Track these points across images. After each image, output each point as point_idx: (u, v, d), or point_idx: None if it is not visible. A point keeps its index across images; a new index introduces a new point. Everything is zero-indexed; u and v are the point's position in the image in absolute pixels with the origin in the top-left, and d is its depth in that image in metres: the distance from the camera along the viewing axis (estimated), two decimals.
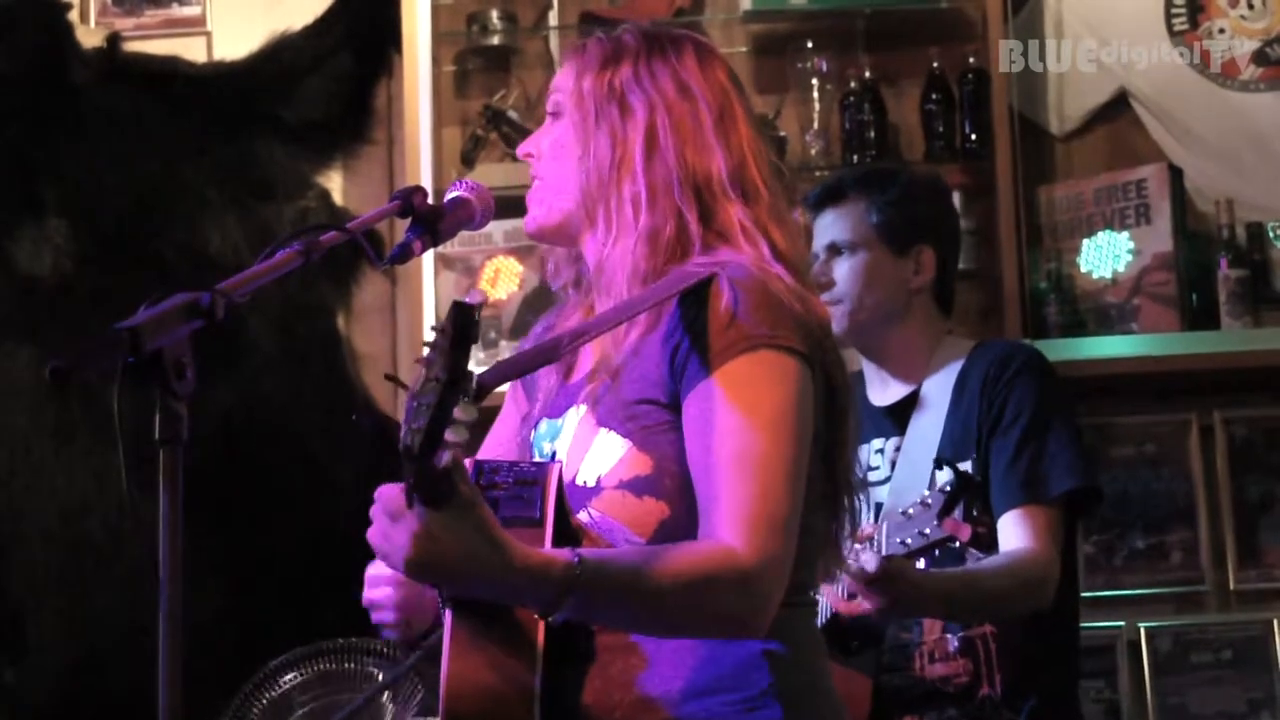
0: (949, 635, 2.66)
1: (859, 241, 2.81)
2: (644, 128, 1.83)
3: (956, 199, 3.22)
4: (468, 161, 3.90)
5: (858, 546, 2.38)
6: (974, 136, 3.78)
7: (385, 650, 3.18)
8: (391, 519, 1.54)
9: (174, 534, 1.45)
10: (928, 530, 2.34)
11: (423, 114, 3.79)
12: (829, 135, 3.85)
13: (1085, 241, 3.77)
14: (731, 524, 1.65)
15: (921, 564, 2.37)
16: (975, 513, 2.27)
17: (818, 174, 3.70)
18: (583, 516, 1.76)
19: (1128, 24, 3.86)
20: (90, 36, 3.97)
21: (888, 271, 2.81)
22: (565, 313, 1.96)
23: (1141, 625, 3.71)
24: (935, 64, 3.83)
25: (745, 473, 1.67)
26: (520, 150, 1.96)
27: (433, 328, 1.43)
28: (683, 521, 1.71)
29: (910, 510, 2.37)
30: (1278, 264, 3.74)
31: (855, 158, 3.78)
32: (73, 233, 3.83)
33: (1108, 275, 3.75)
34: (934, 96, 3.82)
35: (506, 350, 3.72)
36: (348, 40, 3.97)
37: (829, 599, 2.51)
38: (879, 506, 2.68)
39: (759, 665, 1.74)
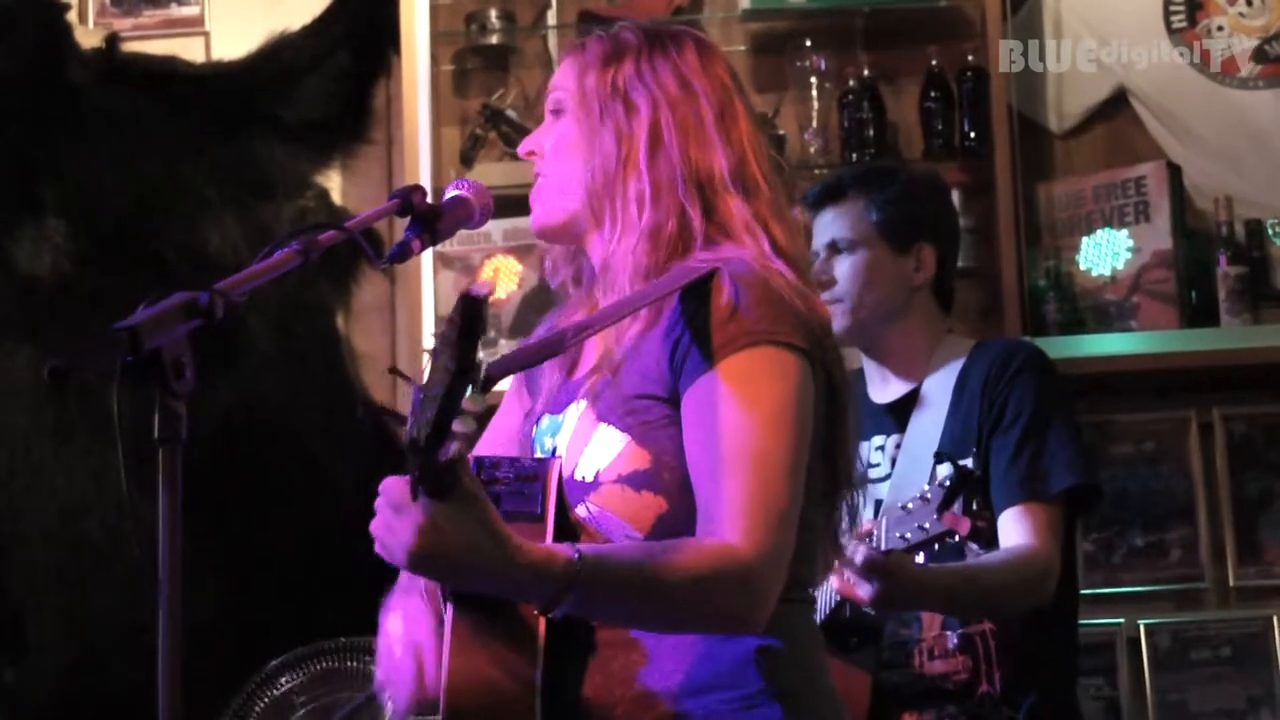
0: (948, 632, 2.66)
1: (859, 240, 2.81)
2: (648, 125, 1.83)
3: (956, 197, 3.21)
4: (466, 161, 3.90)
5: (855, 542, 2.37)
6: (973, 134, 3.77)
7: None
8: (395, 511, 1.53)
9: (173, 534, 1.44)
10: (927, 524, 2.33)
11: (421, 113, 3.79)
12: (828, 134, 3.84)
13: (1084, 239, 3.77)
14: (731, 519, 1.65)
15: (921, 558, 2.37)
16: (975, 506, 2.26)
17: (817, 172, 3.70)
18: (581, 511, 1.76)
19: (1127, 22, 3.86)
20: (89, 37, 3.97)
21: (888, 269, 2.80)
22: (568, 311, 1.96)
23: (1141, 622, 3.71)
24: (934, 62, 3.82)
25: (745, 468, 1.66)
26: (522, 148, 1.95)
27: (440, 320, 1.43)
28: (681, 516, 1.71)
29: (909, 505, 2.37)
30: (1277, 261, 3.74)
31: (854, 156, 3.77)
32: (72, 233, 3.84)
33: (1107, 273, 3.75)
34: (933, 94, 3.81)
35: (506, 349, 3.71)
36: (346, 40, 3.97)
37: (833, 583, 2.50)
38: (879, 503, 2.68)
39: (757, 662, 1.73)
